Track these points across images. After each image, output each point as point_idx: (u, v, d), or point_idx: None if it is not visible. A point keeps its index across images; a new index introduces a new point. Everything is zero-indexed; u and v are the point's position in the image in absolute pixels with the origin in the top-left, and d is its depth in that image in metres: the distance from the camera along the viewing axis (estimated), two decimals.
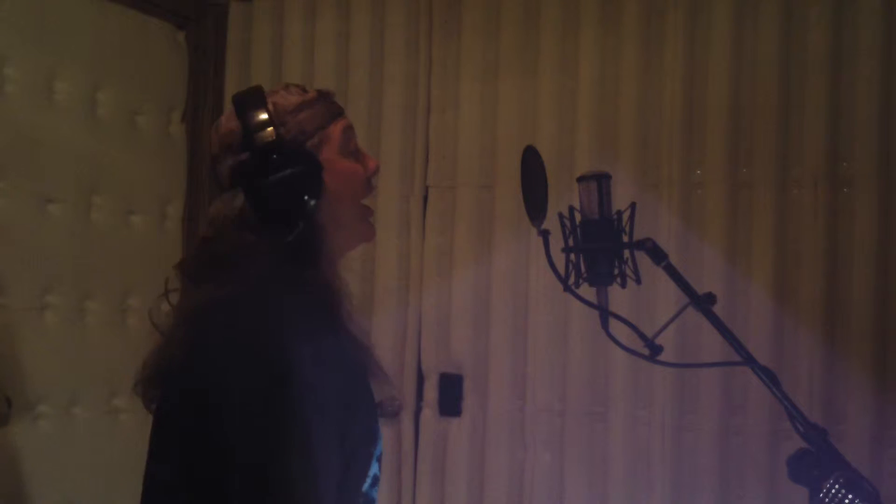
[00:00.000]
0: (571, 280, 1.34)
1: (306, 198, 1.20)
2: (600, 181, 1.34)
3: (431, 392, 2.60)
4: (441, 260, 2.61)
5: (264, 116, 1.22)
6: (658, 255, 1.28)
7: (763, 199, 2.30)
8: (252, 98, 1.25)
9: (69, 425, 2.39)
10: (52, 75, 2.39)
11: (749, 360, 1.23)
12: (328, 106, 1.30)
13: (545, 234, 1.33)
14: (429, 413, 2.60)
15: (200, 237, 1.26)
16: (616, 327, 1.32)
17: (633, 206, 1.35)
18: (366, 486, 1.22)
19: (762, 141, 2.31)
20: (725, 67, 2.34)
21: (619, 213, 1.34)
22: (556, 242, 1.34)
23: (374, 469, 1.23)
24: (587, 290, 1.33)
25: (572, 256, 1.34)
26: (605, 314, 1.33)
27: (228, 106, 1.27)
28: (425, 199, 2.65)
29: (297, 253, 1.20)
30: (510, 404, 2.52)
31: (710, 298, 1.25)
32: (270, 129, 1.21)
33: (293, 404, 1.06)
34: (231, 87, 2.78)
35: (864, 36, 2.23)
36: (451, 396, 2.58)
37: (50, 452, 2.32)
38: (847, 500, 1.08)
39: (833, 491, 1.09)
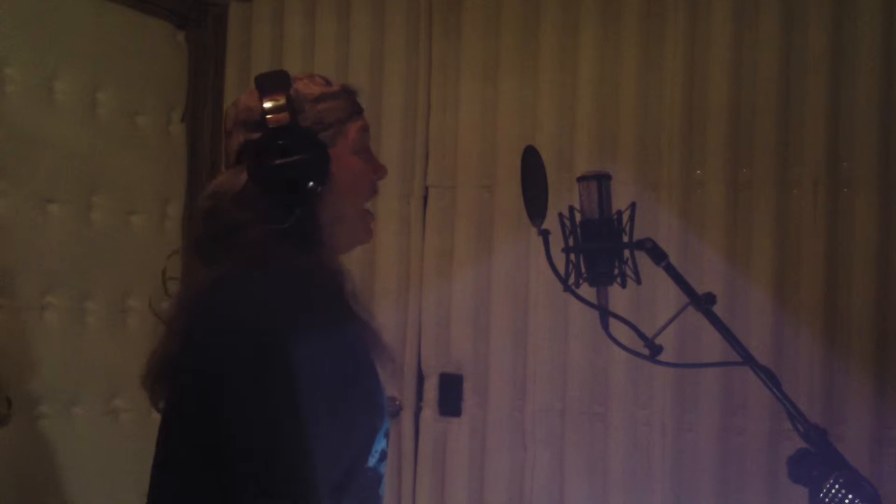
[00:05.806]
0: (571, 280, 1.34)
1: (309, 185, 1.20)
2: (600, 181, 1.34)
3: (431, 392, 2.60)
4: (441, 260, 2.61)
5: (284, 100, 1.23)
6: (658, 255, 1.28)
7: (763, 199, 2.30)
8: (276, 80, 1.26)
9: (69, 425, 2.39)
10: (52, 75, 2.39)
11: (749, 360, 1.23)
12: (349, 102, 1.31)
13: (545, 234, 1.33)
14: (429, 413, 2.60)
15: (199, 208, 1.25)
16: (616, 327, 1.32)
17: (633, 206, 1.35)
18: (373, 461, 1.21)
19: (762, 141, 2.31)
20: (725, 67, 2.34)
21: (619, 213, 1.34)
22: (556, 242, 1.34)
23: (381, 444, 1.23)
24: (587, 290, 1.33)
25: (572, 256, 1.35)
26: (605, 314, 1.33)
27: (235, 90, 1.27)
28: (425, 199, 2.64)
29: (292, 238, 1.20)
30: (510, 404, 2.52)
31: (710, 298, 1.25)
32: (287, 113, 1.22)
33: (286, 381, 1.06)
34: (231, 87, 2.78)
35: (864, 36, 2.23)
36: (451, 396, 2.58)
37: (50, 452, 2.32)
38: (847, 500, 1.08)
39: (833, 491, 1.09)
